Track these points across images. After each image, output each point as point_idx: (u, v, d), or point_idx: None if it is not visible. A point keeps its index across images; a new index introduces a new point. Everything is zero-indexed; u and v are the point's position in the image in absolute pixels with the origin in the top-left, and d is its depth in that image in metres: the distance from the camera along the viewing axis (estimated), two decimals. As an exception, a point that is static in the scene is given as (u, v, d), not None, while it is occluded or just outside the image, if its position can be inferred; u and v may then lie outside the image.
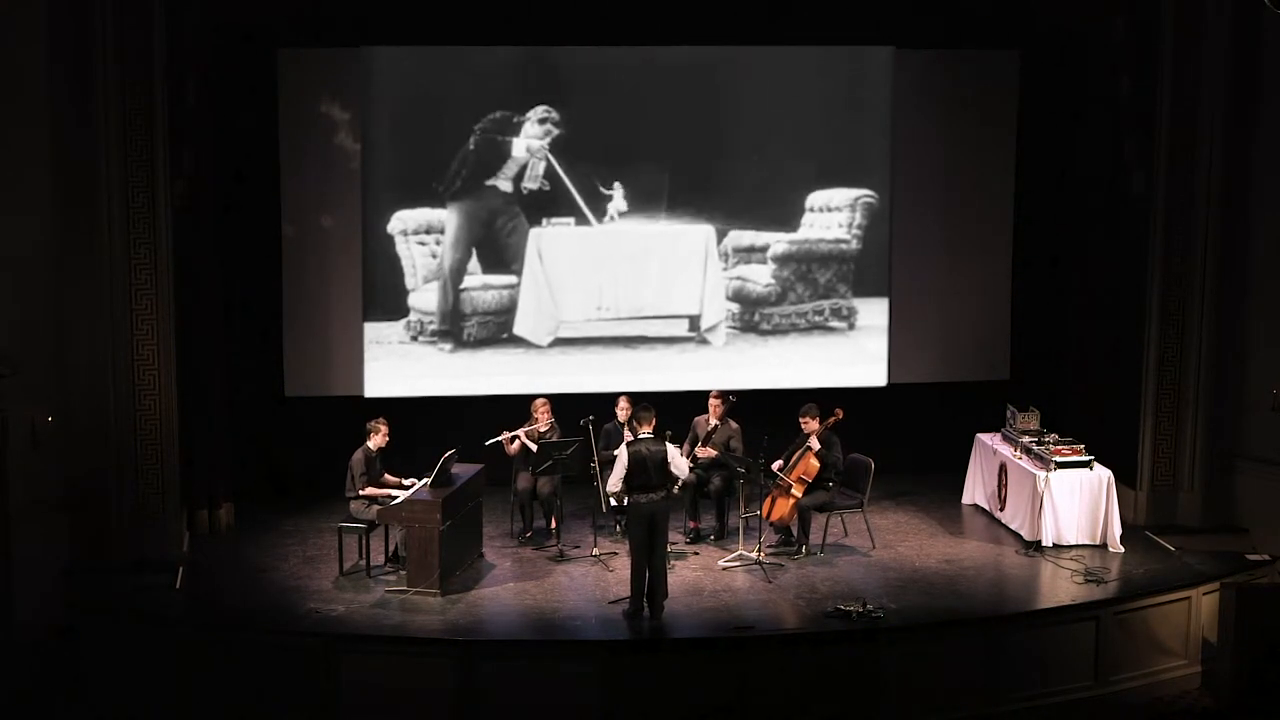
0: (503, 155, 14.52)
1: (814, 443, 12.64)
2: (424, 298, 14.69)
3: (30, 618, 11.50)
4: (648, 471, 11.39)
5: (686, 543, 13.14)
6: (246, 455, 14.16)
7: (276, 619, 11.41)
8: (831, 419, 12.77)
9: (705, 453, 13.10)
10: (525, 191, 14.57)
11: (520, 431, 13.18)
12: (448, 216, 14.58)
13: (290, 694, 10.96)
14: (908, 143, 14.90)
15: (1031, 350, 15.24)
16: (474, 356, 14.79)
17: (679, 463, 11.74)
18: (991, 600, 12.00)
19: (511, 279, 14.75)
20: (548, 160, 14.52)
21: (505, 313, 14.81)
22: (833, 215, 15.04)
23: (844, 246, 15.09)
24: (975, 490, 14.38)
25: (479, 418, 13.77)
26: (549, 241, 14.74)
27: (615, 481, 11.61)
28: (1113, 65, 13.77)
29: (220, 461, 13.55)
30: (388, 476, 12.51)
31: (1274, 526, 12.99)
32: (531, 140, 14.49)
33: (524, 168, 14.52)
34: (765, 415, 13.16)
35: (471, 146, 14.48)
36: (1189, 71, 13.05)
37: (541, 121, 14.48)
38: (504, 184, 14.55)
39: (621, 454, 11.57)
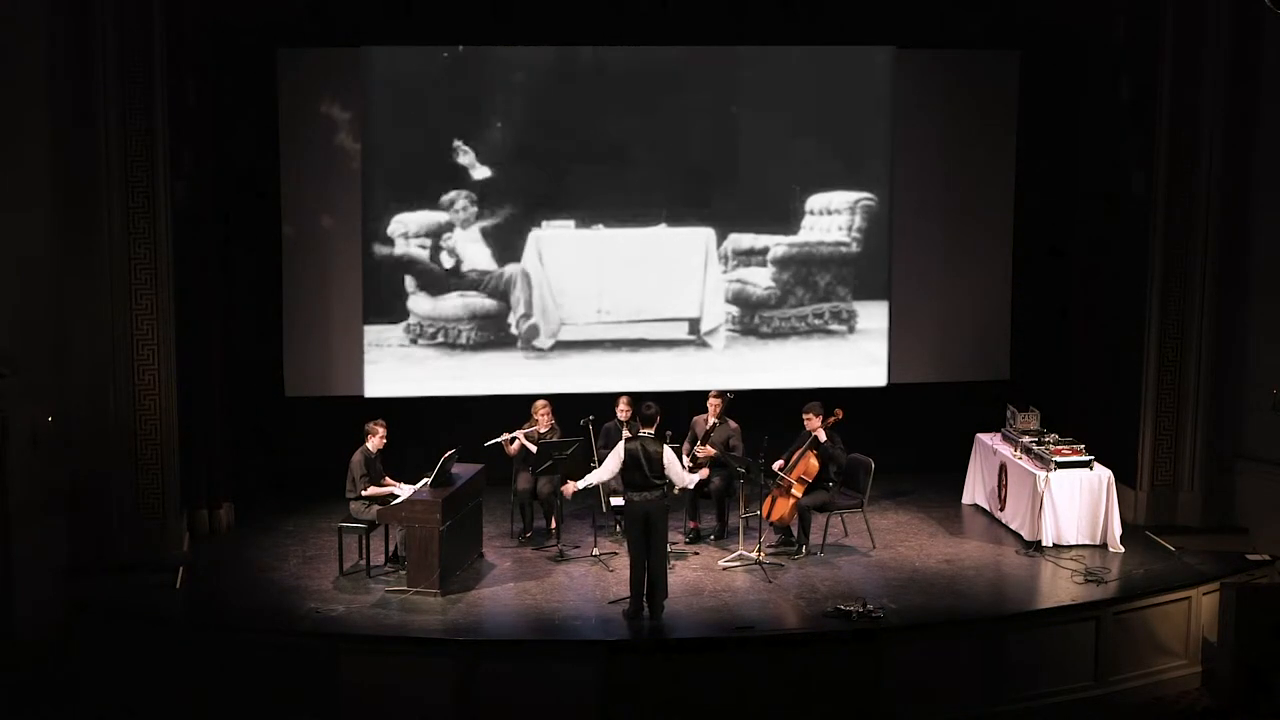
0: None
1: (821, 435, 12.63)
2: (423, 301, 14.69)
3: (30, 618, 11.49)
4: (641, 469, 11.36)
5: (686, 543, 13.13)
6: (246, 455, 14.16)
7: (276, 619, 11.40)
8: (831, 419, 12.77)
9: (705, 451, 13.09)
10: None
11: (519, 433, 13.18)
12: (445, 220, 14.58)
13: (290, 694, 10.95)
14: (908, 143, 14.90)
15: (1031, 350, 15.23)
16: (474, 359, 14.78)
17: (681, 473, 11.69)
18: (991, 600, 11.98)
19: (510, 282, 14.74)
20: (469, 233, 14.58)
21: (505, 316, 14.81)
22: (833, 218, 15.03)
23: (844, 249, 15.08)
24: (975, 490, 14.37)
25: (479, 418, 13.77)
26: (549, 244, 14.74)
27: (603, 473, 11.64)
28: (1113, 65, 13.79)
29: (220, 461, 13.55)
30: (388, 480, 12.51)
31: (1274, 526, 12.98)
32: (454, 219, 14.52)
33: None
34: (765, 417, 13.14)
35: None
36: (1189, 71, 13.05)
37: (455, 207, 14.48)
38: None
39: (618, 448, 11.56)
